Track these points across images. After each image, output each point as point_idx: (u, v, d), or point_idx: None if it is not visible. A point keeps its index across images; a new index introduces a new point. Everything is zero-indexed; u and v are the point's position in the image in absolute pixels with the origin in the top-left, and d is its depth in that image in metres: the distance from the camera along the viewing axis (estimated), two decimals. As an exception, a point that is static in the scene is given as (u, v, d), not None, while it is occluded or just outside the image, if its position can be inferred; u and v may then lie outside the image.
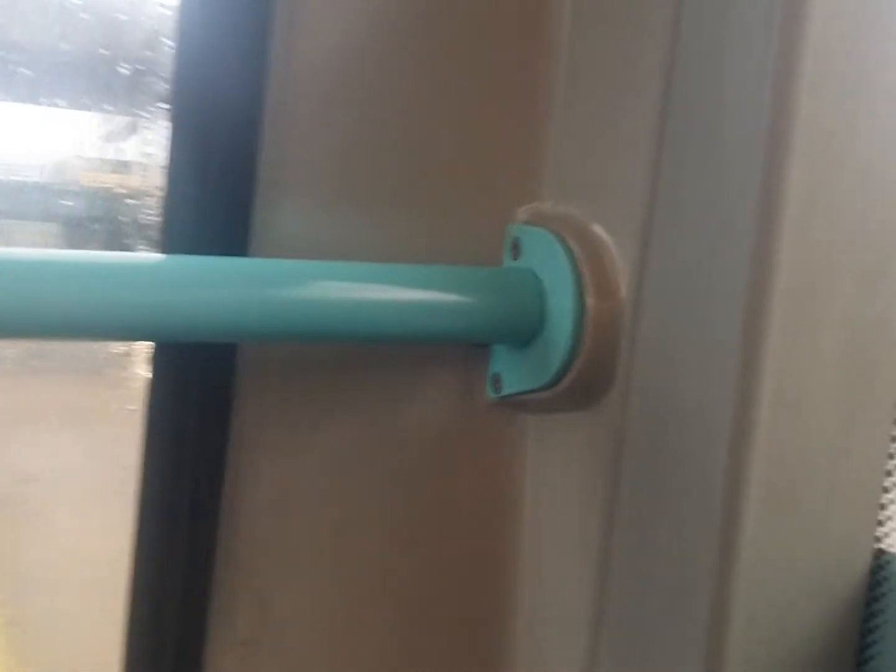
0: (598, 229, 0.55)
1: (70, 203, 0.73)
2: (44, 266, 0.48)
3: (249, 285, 0.51)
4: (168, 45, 0.59)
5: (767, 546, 0.49)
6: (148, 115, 0.64)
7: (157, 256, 0.54)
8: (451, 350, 0.62)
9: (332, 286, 0.53)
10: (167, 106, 0.57)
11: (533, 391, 0.57)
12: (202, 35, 0.56)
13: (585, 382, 0.55)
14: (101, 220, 0.71)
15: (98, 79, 0.64)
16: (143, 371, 0.61)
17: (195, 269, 0.51)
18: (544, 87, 0.58)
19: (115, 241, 0.74)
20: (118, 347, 0.70)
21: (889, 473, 0.51)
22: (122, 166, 0.75)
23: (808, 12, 0.43)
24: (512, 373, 0.59)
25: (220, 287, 0.51)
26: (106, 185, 0.72)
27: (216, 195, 0.56)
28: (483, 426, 0.63)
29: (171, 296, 0.50)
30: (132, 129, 0.69)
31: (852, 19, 0.44)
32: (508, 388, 0.59)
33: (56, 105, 0.66)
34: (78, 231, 0.75)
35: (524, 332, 0.57)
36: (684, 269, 0.50)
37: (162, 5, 0.66)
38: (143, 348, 0.61)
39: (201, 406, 0.59)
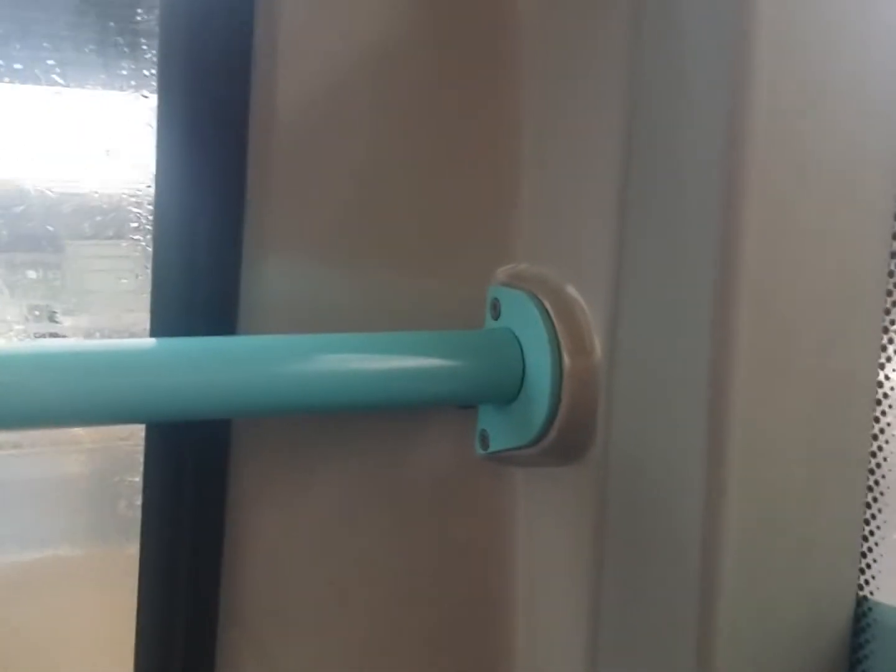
0: (571, 290, 0.56)
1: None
2: (37, 358, 0.50)
3: (238, 364, 0.53)
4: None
5: (746, 598, 0.50)
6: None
7: (147, 342, 0.56)
8: (442, 409, 0.63)
9: (319, 360, 0.55)
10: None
11: (518, 448, 0.59)
12: (186, 105, 0.58)
13: (567, 439, 0.57)
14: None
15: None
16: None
17: (185, 352, 0.53)
18: (517, 156, 0.60)
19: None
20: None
21: (867, 522, 0.51)
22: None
23: (755, 82, 0.45)
24: (498, 430, 0.60)
25: (209, 368, 0.52)
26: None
27: (203, 274, 0.58)
28: (474, 480, 0.64)
29: (163, 379, 0.51)
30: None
31: (800, 88, 0.45)
32: (496, 446, 0.61)
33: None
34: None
35: (507, 392, 0.58)
36: (652, 328, 0.52)
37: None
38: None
39: (198, 470, 0.60)
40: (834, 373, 0.48)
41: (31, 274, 0.65)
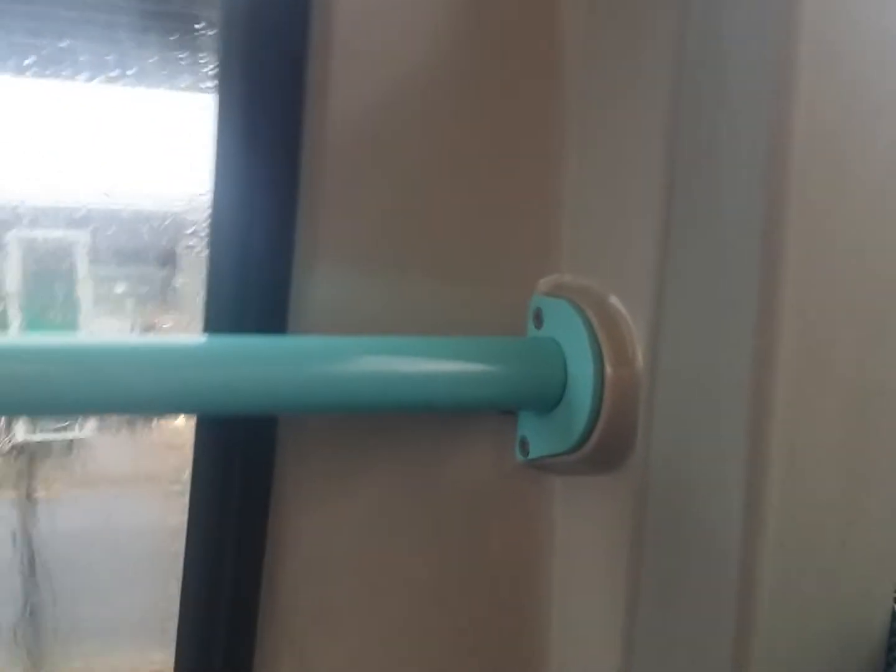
0: (614, 301, 0.57)
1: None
2: (103, 350, 0.52)
3: (288, 363, 0.55)
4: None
5: (784, 607, 0.50)
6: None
7: (201, 338, 0.58)
8: (482, 415, 0.65)
9: (364, 360, 0.57)
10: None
11: (558, 455, 0.60)
12: (243, 112, 0.60)
13: (607, 447, 0.58)
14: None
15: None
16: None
17: (236, 349, 0.55)
18: (562, 166, 0.61)
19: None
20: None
21: (904, 533, 0.52)
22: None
23: (797, 92, 0.46)
24: (538, 437, 0.61)
25: (258, 365, 0.54)
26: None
27: (256, 274, 0.60)
28: (513, 487, 0.65)
29: (216, 375, 0.53)
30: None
31: (842, 104, 0.46)
32: (535, 452, 0.62)
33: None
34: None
35: (548, 399, 0.59)
36: (694, 340, 0.53)
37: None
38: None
39: (244, 471, 0.62)
40: (872, 383, 0.49)
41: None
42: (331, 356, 0.56)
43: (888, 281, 0.48)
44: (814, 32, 0.46)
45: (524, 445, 0.63)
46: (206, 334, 0.59)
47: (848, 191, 0.46)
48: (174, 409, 0.55)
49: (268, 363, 0.55)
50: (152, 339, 0.54)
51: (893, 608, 0.52)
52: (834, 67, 0.46)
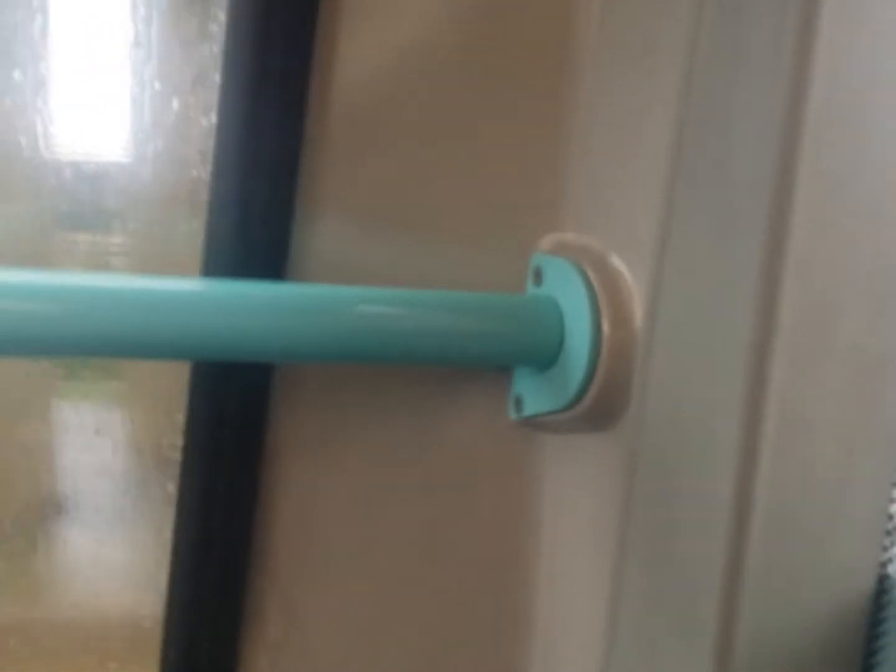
0: (615, 260, 0.57)
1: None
2: (97, 290, 0.52)
3: (283, 310, 0.55)
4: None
5: (771, 570, 0.51)
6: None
7: (197, 281, 0.57)
8: (477, 372, 0.65)
9: (362, 310, 0.56)
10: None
11: (552, 413, 0.60)
12: (246, 65, 0.60)
13: (602, 405, 0.58)
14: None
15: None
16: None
17: (233, 294, 0.55)
18: (565, 124, 0.61)
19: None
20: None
21: (893, 500, 0.52)
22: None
23: (814, 65, 0.46)
24: (533, 395, 0.61)
25: (255, 311, 0.54)
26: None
27: (256, 220, 0.60)
28: (506, 445, 0.65)
29: (212, 319, 0.53)
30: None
31: (861, 67, 0.46)
32: (530, 410, 0.62)
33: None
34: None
35: (545, 357, 0.59)
36: (695, 302, 0.53)
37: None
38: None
39: (237, 418, 0.62)
40: (873, 353, 0.49)
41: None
42: (327, 304, 0.56)
43: (892, 255, 0.48)
44: (833, 15, 0.45)
45: (519, 403, 0.63)
46: (202, 279, 0.59)
47: (862, 162, 0.46)
48: (167, 354, 0.55)
49: (263, 309, 0.54)
50: (147, 280, 0.54)
51: (878, 574, 0.53)
52: (854, 33, 0.45)
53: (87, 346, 0.51)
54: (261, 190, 0.60)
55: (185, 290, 0.55)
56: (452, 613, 0.67)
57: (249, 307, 0.54)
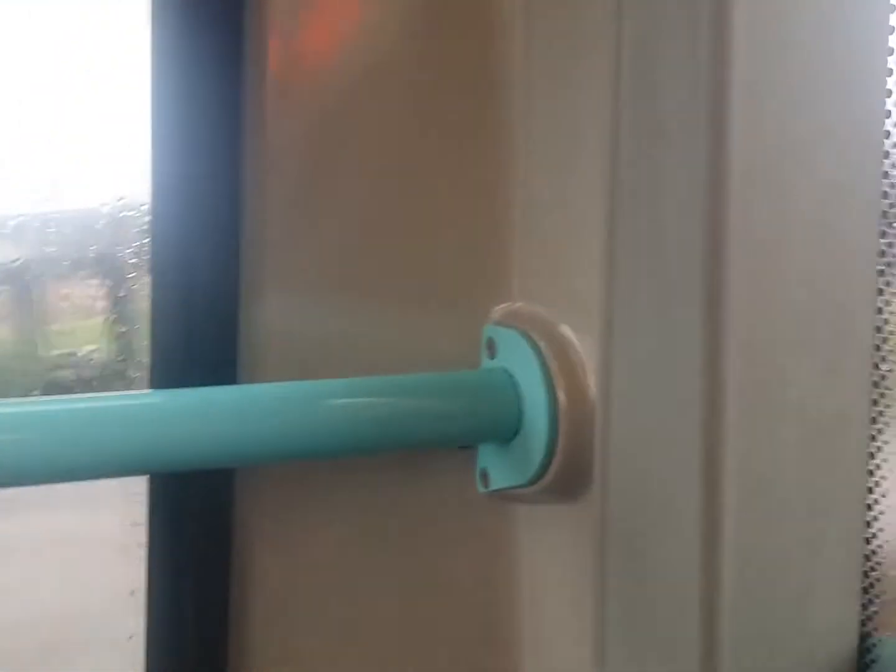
0: (564, 329, 0.56)
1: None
2: (36, 414, 0.51)
3: (239, 414, 0.54)
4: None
5: (748, 638, 0.49)
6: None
7: (149, 394, 0.57)
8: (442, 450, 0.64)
9: (317, 406, 0.55)
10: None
11: (518, 487, 0.59)
12: (176, 149, 0.59)
13: (566, 476, 0.57)
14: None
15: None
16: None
17: (187, 403, 0.54)
18: (511, 197, 0.60)
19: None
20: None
21: (867, 558, 0.51)
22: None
23: (732, 120, 0.45)
24: (498, 469, 0.60)
25: (211, 419, 0.53)
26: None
27: (201, 324, 0.59)
28: (477, 518, 0.64)
29: (165, 431, 0.52)
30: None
31: (778, 127, 0.45)
32: (496, 484, 0.61)
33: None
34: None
35: (505, 431, 0.58)
36: (645, 368, 0.52)
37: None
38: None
39: (203, 517, 0.61)
40: (827, 410, 0.48)
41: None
42: (283, 406, 0.55)
43: (838, 309, 0.47)
44: (747, 60, 0.44)
45: (485, 478, 0.61)
46: (155, 390, 0.58)
47: (790, 220, 0.45)
48: (123, 470, 0.54)
49: (219, 417, 0.53)
50: (98, 397, 0.53)
51: (860, 632, 0.51)
52: (769, 94, 0.44)
53: (37, 475, 0.50)
54: (204, 284, 0.59)
55: (136, 403, 0.54)
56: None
57: (203, 415, 0.53)
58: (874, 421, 0.49)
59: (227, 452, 0.54)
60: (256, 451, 0.55)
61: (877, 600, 0.51)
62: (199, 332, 0.60)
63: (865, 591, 0.51)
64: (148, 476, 0.60)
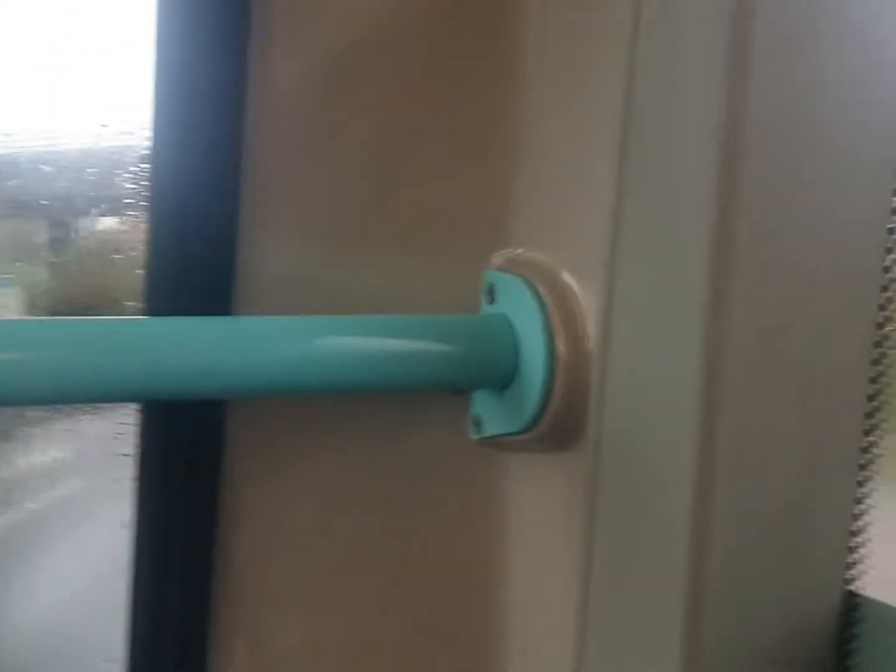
0: (566, 276, 0.56)
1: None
2: (31, 334, 0.50)
3: (232, 346, 0.53)
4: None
5: (734, 590, 0.50)
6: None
7: (143, 320, 0.56)
8: (435, 393, 0.63)
9: (312, 342, 0.55)
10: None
11: (511, 434, 0.59)
12: (182, 80, 0.58)
13: (560, 427, 0.56)
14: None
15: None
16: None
17: (181, 332, 0.53)
18: (516, 140, 0.59)
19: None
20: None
21: (856, 517, 0.51)
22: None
23: (749, 79, 0.44)
24: (491, 416, 0.60)
25: (204, 349, 0.52)
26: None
27: (198, 254, 0.58)
28: (467, 465, 0.64)
29: (158, 359, 0.51)
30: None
31: (797, 96, 0.45)
32: (489, 431, 0.60)
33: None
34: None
35: (501, 378, 0.58)
36: (646, 318, 0.51)
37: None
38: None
39: (193, 450, 0.61)
40: (825, 370, 0.48)
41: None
42: (276, 338, 0.54)
43: (840, 270, 0.47)
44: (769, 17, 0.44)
45: (478, 424, 0.61)
46: (148, 317, 0.58)
47: (802, 179, 0.45)
48: (114, 396, 0.53)
49: (213, 347, 0.53)
50: (90, 321, 0.52)
51: (844, 591, 0.52)
52: (788, 55, 0.44)
53: (26, 395, 0.50)
54: (202, 217, 0.58)
55: (130, 329, 0.53)
56: (419, 634, 0.66)
57: (196, 344, 0.52)
58: (874, 381, 0.49)
59: (216, 382, 0.53)
60: (246, 383, 0.54)
61: (863, 561, 0.51)
62: (196, 266, 0.59)
63: (853, 550, 0.51)
64: (139, 410, 0.60)
